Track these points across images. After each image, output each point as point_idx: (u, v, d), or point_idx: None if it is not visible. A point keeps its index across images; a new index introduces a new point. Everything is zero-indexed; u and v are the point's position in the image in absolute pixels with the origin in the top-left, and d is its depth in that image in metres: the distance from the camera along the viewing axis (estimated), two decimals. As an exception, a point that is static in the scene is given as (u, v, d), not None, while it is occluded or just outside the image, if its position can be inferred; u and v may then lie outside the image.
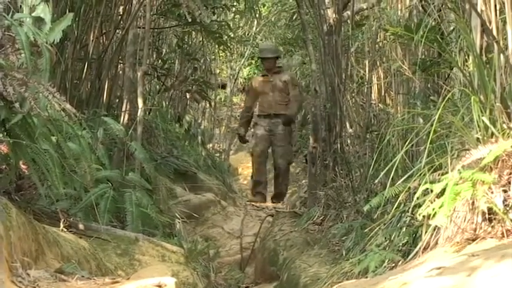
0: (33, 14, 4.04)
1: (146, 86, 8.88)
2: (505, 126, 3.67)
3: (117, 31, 7.44)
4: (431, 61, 7.00)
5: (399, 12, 9.53)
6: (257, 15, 13.47)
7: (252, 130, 12.65)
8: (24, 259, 3.32)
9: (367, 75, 9.90)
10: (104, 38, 7.34)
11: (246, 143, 13.48)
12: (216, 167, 12.82)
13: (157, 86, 11.01)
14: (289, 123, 12.03)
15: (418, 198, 3.85)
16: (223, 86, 16.61)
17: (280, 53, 13.29)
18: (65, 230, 4.29)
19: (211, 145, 14.55)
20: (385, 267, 4.41)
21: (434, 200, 3.62)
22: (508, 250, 2.92)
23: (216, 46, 12.16)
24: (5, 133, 3.77)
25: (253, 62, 16.36)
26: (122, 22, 7.47)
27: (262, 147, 11.95)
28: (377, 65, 9.74)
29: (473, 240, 3.48)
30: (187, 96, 12.88)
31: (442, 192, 3.57)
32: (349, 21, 9.21)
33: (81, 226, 4.59)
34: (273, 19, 14.55)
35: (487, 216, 3.52)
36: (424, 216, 3.72)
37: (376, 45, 9.62)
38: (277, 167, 11.99)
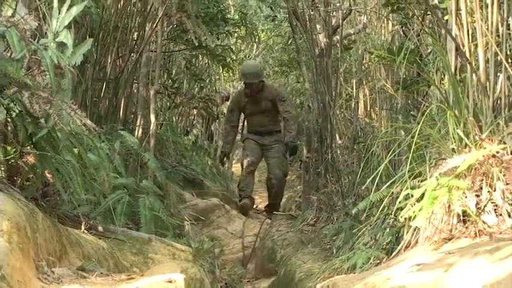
0: (57, 40, 4.04)
1: (158, 103, 8.87)
2: (477, 138, 3.67)
3: (132, 54, 7.44)
4: (412, 80, 7.00)
5: (383, 36, 9.53)
6: (256, 40, 13.49)
7: (241, 143, 11.27)
8: (49, 258, 3.31)
9: (354, 93, 9.89)
10: (120, 60, 7.34)
11: (224, 165, 11.96)
12: (220, 175, 12.78)
13: (168, 103, 11.00)
14: (296, 149, 10.54)
15: (400, 202, 3.85)
16: (228, 98, 16.56)
17: (263, 74, 11.26)
18: (86, 231, 4.28)
19: (216, 155, 14.51)
20: (371, 263, 4.39)
21: (414, 204, 3.61)
22: (480, 248, 2.91)
23: (220, 67, 12.13)
24: (32, 146, 3.77)
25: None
26: (136, 46, 7.47)
27: (253, 159, 10.30)
28: (363, 84, 9.73)
29: (449, 239, 3.47)
30: (195, 112, 12.88)
31: (422, 196, 3.56)
32: (338, 45, 9.22)
33: (100, 228, 4.58)
34: (270, 43, 14.53)
35: (461, 218, 3.51)
36: (405, 218, 3.71)
37: (362, 66, 9.62)
38: (272, 178, 10.23)
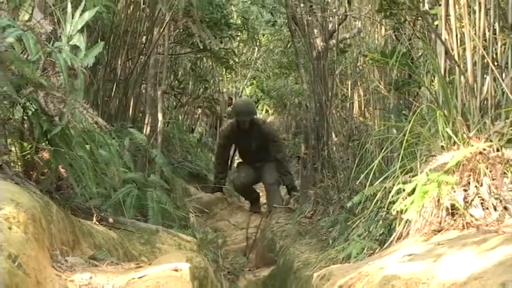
0: (70, 43, 4.04)
1: (165, 102, 8.87)
2: (465, 136, 3.66)
3: (141, 57, 7.43)
4: (403, 81, 6.98)
5: (376, 40, 9.52)
6: (257, 44, 13.47)
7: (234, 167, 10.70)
8: (63, 248, 3.31)
9: (349, 93, 9.87)
10: (130, 62, 7.33)
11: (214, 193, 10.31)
12: (223, 170, 12.77)
13: (174, 103, 11.00)
14: (295, 189, 9.74)
15: (392, 196, 3.85)
16: (231, 101, 16.53)
17: (255, 114, 10.73)
18: (97, 223, 4.28)
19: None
20: (364, 254, 4.39)
21: (406, 198, 3.61)
22: (468, 240, 2.91)
23: (223, 69, 12.14)
24: (47, 142, 3.77)
25: (254, 82, 16.34)
26: (144, 49, 7.46)
27: (246, 180, 9.92)
28: (357, 85, 9.71)
29: (439, 231, 3.46)
30: (199, 111, 12.87)
31: (413, 191, 3.56)
32: (334, 48, 9.20)
33: (110, 220, 4.58)
34: (271, 47, 14.51)
35: (450, 211, 3.51)
36: (397, 211, 3.71)
37: (357, 68, 9.60)
38: (267, 184, 9.85)
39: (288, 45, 12.08)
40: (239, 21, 11.03)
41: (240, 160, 10.51)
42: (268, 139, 9.86)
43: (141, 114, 7.88)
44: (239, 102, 10.84)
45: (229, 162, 10.55)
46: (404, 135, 3.97)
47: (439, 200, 3.53)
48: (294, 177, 10.22)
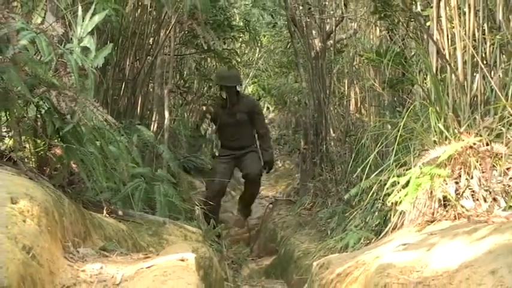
0: (81, 44, 4.03)
1: (171, 100, 8.83)
2: (456, 131, 3.66)
3: (148, 57, 7.42)
4: (397, 80, 6.98)
5: (371, 41, 9.51)
6: (259, 44, 13.44)
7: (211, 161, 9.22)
8: (75, 239, 3.31)
9: (346, 91, 9.87)
10: (138, 63, 7.32)
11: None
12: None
13: (180, 101, 10.96)
14: (272, 164, 9.26)
15: (387, 189, 3.84)
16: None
17: (241, 82, 10.30)
18: (107, 215, 4.28)
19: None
20: (361, 243, 4.39)
21: (400, 190, 3.61)
22: (459, 230, 2.90)
23: (227, 69, 12.11)
24: (59, 139, 3.77)
25: (256, 81, 16.29)
26: (151, 50, 7.45)
27: (220, 187, 8.55)
28: (354, 83, 9.71)
29: (432, 222, 3.46)
30: (204, 109, 12.86)
31: (407, 183, 3.56)
32: (331, 48, 9.20)
33: (120, 212, 4.57)
34: (271, 47, 14.48)
35: (442, 202, 3.51)
36: (392, 203, 3.71)
37: (353, 68, 9.59)
38: (249, 173, 8.69)
39: (288, 46, 12.05)
40: (241, 23, 10.98)
41: (219, 153, 9.01)
42: (255, 110, 8.99)
43: (148, 112, 7.87)
44: (224, 69, 9.78)
45: None
46: (398, 130, 3.97)
47: (431, 192, 3.53)
48: (273, 153, 9.70)
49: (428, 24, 4.41)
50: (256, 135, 9.07)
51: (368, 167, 4.29)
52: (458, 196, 3.44)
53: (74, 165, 3.93)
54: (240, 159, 8.84)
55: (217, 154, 9.01)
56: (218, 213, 8.41)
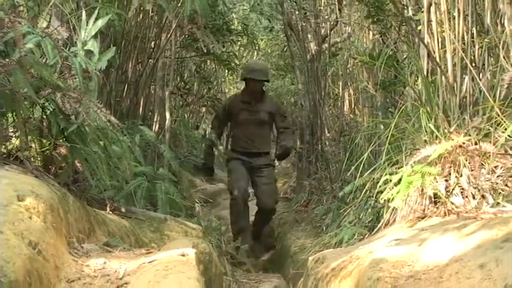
0: (85, 48, 4.03)
1: (172, 102, 8.83)
2: (446, 131, 3.67)
3: (150, 60, 7.42)
4: (389, 81, 6.99)
5: (364, 44, 9.52)
6: (256, 48, 13.45)
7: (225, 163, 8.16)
8: (79, 235, 3.31)
9: (340, 93, 9.88)
10: (140, 65, 7.31)
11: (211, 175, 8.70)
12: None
13: (181, 102, 10.97)
14: (286, 156, 8.25)
15: (380, 186, 3.85)
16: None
17: (270, 77, 8.79)
18: (111, 212, 4.28)
19: (221, 147, 14.49)
20: (355, 239, 4.39)
21: (392, 188, 3.61)
22: (449, 226, 2.91)
23: (226, 71, 12.12)
24: (64, 139, 3.77)
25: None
26: (153, 53, 7.45)
27: (245, 185, 7.57)
28: (348, 85, 9.73)
29: (423, 218, 3.47)
30: (203, 110, 12.85)
31: (399, 181, 3.57)
32: (326, 51, 9.20)
33: (123, 209, 4.57)
34: (268, 51, 14.47)
35: (433, 199, 3.51)
36: (385, 200, 3.72)
37: (347, 70, 9.60)
38: (263, 207, 7.58)
39: (284, 49, 12.05)
40: (239, 27, 10.99)
41: (232, 155, 7.90)
42: (277, 111, 7.87)
43: (150, 113, 7.87)
44: (253, 61, 9.14)
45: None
46: (390, 130, 3.97)
47: (422, 189, 3.53)
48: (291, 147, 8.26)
49: (419, 28, 4.41)
50: (277, 134, 8.03)
51: (361, 165, 4.30)
52: (448, 193, 3.45)
53: (78, 164, 3.93)
54: (256, 174, 7.68)
55: (230, 157, 7.94)
56: (248, 220, 7.58)
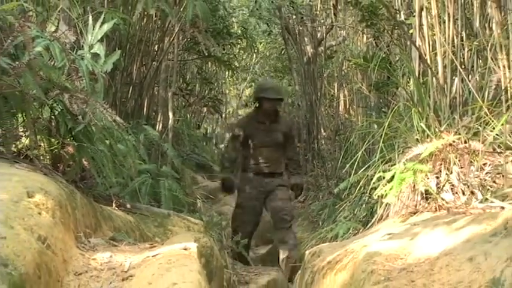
0: (91, 51, 4.03)
1: (175, 102, 8.82)
2: (437, 130, 3.67)
3: (153, 63, 7.42)
4: (383, 83, 6.99)
5: (359, 47, 9.52)
6: (255, 51, 13.45)
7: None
8: (86, 230, 3.31)
9: (336, 94, 9.88)
10: (144, 68, 7.31)
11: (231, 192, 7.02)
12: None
13: (183, 103, 10.97)
14: (300, 194, 6.98)
15: (374, 183, 3.85)
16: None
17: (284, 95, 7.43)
18: (116, 208, 4.27)
19: (222, 145, 14.51)
20: (350, 233, 4.40)
21: (385, 184, 3.61)
22: (440, 221, 2.91)
23: (226, 73, 12.14)
24: (72, 138, 3.77)
25: (253, 84, 16.28)
26: (156, 56, 7.45)
27: (252, 228, 6.53)
28: (343, 86, 9.72)
29: (414, 213, 3.47)
30: (205, 110, 12.86)
31: (392, 178, 3.57)
32: (322, 54, 9.21)
33: (128, 205, 4.57)
34: (267, 53, 14.47)
35: (424, 195, 3.52)
36: (378, 196, 3.72)
37: (342, 72, 9.61)
38: (278, 215, 6.30)
39: (282, 52, 12.05)
40: (239, 31, 10.99)
41: (244, 182, 6.71)
42: (291, 132, 6.91)
43: (154, 113, 7.88)
44: (265, 80, 8.57)
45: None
46: (383, 129, 3.97)
47: (414, 186, 3.54)
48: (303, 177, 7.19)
49: (411, 31, 4.41)
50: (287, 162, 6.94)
51: (356, 163, 4.30)
52: (439, 189, 3.45)
53: (85, 162, 3.93)
54: (270, 196, 6.56)
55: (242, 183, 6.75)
56: (248, 251, 6.50)
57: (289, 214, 6.31)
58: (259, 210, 6.52)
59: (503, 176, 3.24)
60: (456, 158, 3.48)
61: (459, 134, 3.54)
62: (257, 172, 6.59)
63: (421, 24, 4.03)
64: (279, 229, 6.26)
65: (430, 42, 3.95)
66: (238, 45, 11.57)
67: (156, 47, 7.57)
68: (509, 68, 3.27)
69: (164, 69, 7.54)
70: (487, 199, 3.18)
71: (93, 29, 4.16)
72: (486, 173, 3.37)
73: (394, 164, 3.73)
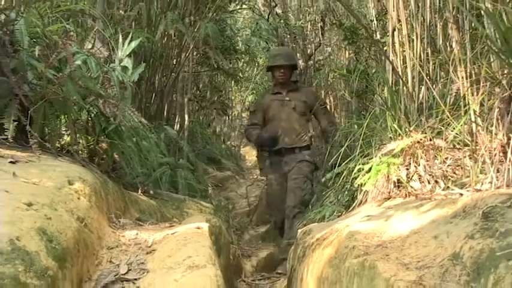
0: (121, 64, 4.03)
1: (190, 107, 8.82)
2: (407, 130, 3.66)
3: (172, 74, 7.41)
4: (362, 90, 6.98)
5: (342, 61, 9.51)
6: (256, 64, 13.43)
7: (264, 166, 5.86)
8: (117, 212, 3.32)
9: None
10: (164, 78, 7.31)
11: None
12: (232, 155, 12.78)
13: (197, 107, 10.96)
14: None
15: (355, 174, 3.84)
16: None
17: (297, 62, 6.55)
18: (142, 194, 4.28)
19: (229, 142, 14.50)
20: (335, 215, 4.39)
21: (364, 175, 3.61)
22: (409, 205, 2.91)
23: (232, 83, 12.13)
24: (105, 136, 3.78)
25: (254, 92, 16.26)
26: (175, 68, 7.44)
27: (277, 191, 5.69)
28: (329, 93, 9.71)
29: (388, 199, 3.46)
30: (214, 113, 12.85)
31: (369, 170, 3.56)
32: (312, 67, 9.20)
33: (151, 192, 4.57)
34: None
35: (396, 184, 3.51)
36: (358, 184, 3.71)
37: (328, 81, 9.59)
38: (286, 211, 5.51)
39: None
40: (243, 48, 10.98)
41: (268, 170, 5.82)
42: (315, 101, 5.71)
43: (172, 116, 7.87)
44: (275, 47, 7.26)
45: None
46: (363, 129, 3.96)
47: (388, 176, 3.53)
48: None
49: (385, 48, 4.40)
50: (320, 132, 5.99)
51: (340, 157, 4.29)
52: (409, 179, 3.44)
53: (116, 156, 3.94)
54: (289, 173, 5.70)
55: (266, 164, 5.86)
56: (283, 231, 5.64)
57: (297, 200, 5.47)
58: (284, 193, 5.63)
59: (461, 168, 3.23)
60: (423, 153, 3.47)
61: (425, 133, 3.53)
62: (275, 151, 5.68)
63: (393, 42, 4.03)
64: (286, 216, 5.55)
65: (401, 57, 3.94)
66: (242, 60, 11.56)
67: (174, 61, 7.56)
68: (466, 79, 3.27)
69: (181, 79, 7.55)
70: (448, 187, 3.18)
71: (123, 46, 4.16)
72: (448, 166, 3.36)
73: (372, 158, 3.72)
